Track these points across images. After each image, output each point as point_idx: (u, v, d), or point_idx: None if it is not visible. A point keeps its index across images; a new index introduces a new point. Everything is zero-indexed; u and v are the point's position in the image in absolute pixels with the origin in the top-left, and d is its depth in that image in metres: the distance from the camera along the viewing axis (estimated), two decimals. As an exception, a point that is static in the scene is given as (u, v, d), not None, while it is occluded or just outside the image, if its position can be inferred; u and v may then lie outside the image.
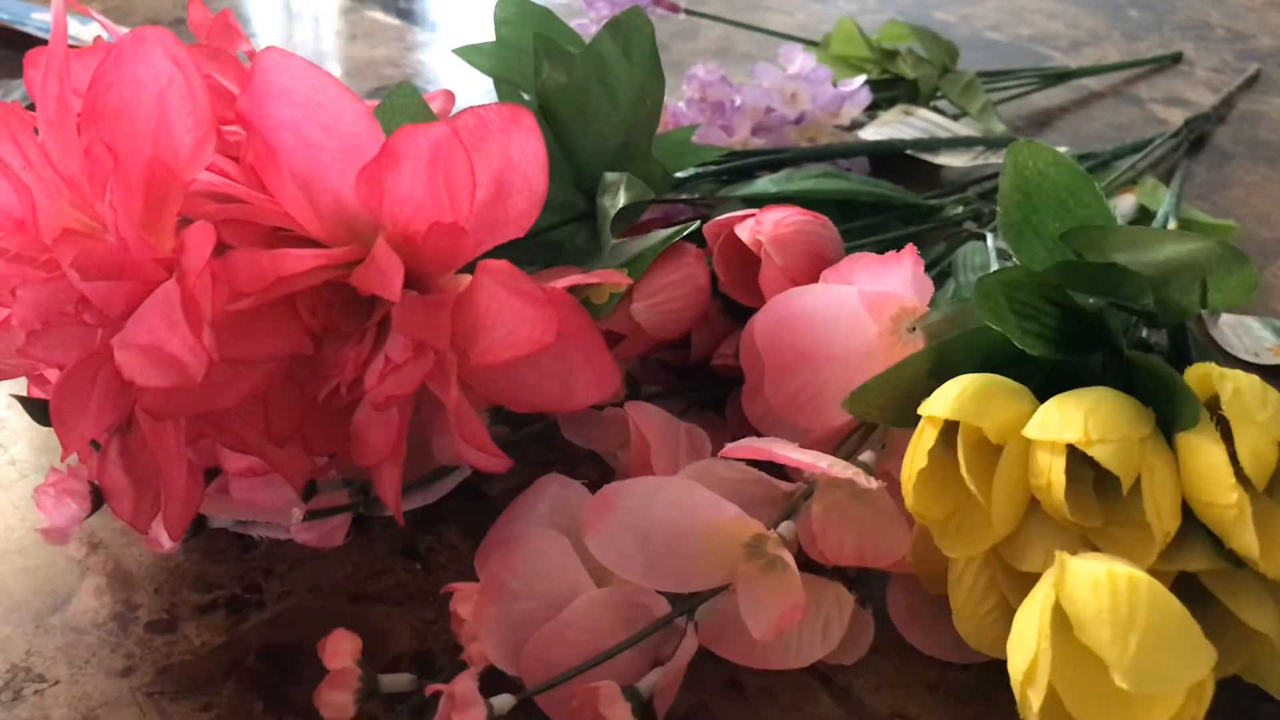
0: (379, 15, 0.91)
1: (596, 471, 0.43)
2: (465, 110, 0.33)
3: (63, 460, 0.38)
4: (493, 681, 0.33)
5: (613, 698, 0.31)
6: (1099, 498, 0.33)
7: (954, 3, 0.94)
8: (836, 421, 0.38)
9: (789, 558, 0.33)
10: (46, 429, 0.46)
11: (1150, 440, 0.32)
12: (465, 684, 0.31)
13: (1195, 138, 0.72)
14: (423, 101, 0.41)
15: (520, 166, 0.33)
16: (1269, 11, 0.94)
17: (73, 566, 0.40)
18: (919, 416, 0.33)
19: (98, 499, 0.38)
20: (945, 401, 0.32)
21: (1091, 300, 0.36)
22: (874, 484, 0.34)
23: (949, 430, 0.33)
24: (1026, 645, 0.30)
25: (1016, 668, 0.30)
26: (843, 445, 0.38)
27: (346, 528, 0.40)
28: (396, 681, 0.34)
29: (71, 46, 0.35)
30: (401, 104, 0.40)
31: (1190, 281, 0.36)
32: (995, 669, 0.36)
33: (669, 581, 0.34)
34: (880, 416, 0.36)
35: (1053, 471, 0.31)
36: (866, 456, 0.36)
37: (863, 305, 0.38)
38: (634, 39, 0.44)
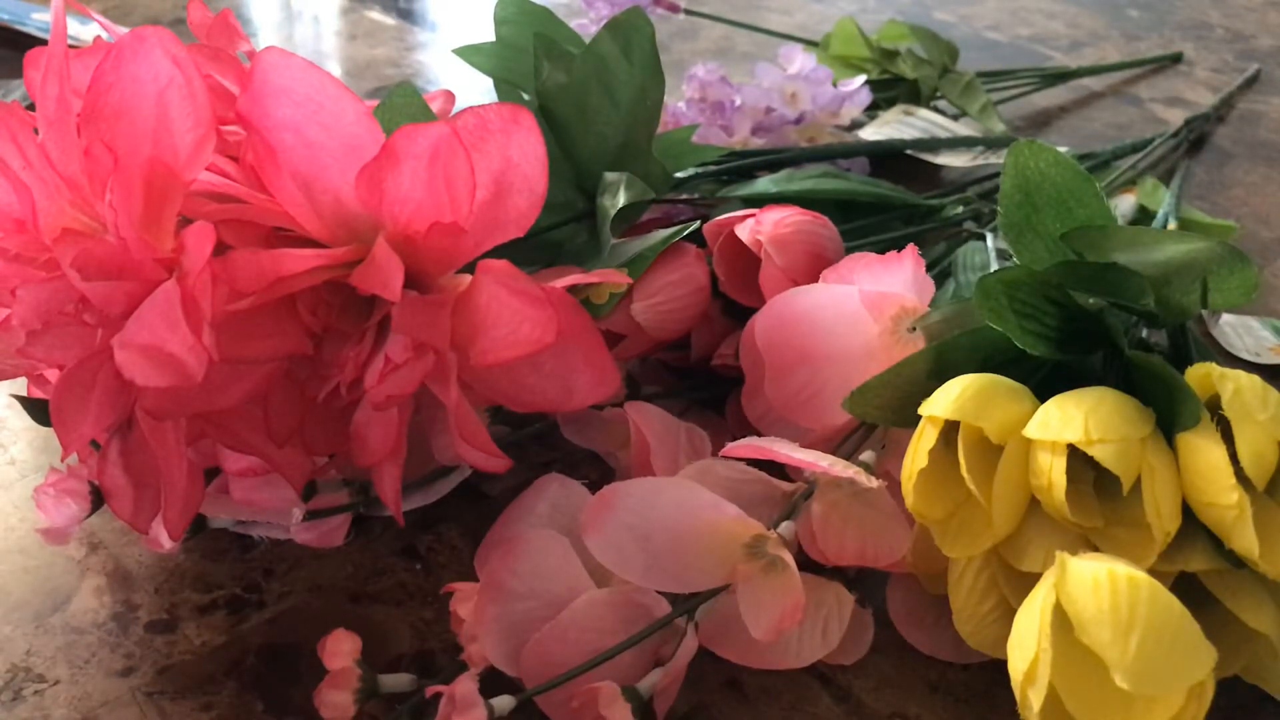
0: (379, 15, 0.91)
1: (596, 471, 0.43)
2: (465, 110, 0.33)
3: (63, 460, 0.38)
4: (493, 682, 0.33)
5: (613, 698, 0.31)
6: (1099, 498, 0.33)
7: (954, 3, 0.94)
8: (837, 421, 0.38)
9: (789, 558, 0.33)
10: (46, 429, 0.46)
11: (1150, 440, 0.32)
12: (465, 685, 0.31)
13: (1195, 138, 0.72)
14: (422, 101, 0.41)
15: (520, 166, 0.33)
16: (1269, 11, 0.94)
17: (73, 566, 0.40)
18: (919, 416, 0.33)
19: (98, 499, 0.38)
20: (946, 401, 0.32)
21: (1092, 300, 0.36)
22: (874, 483, 0.34)
23: (949, 430, 0.33)
24: (1027, 645, 0.30)
25: (1017, 668, 0.30)
26: (843, 445, 0.38)
27: (346, 528, 0.40)
28: (397, 681, 0.34)
29: (71, 46, 0.35)
30: (401, 104, 0.40)
31: (1191, 281, 0.36)
32: (995, 669, 0.36)
33: (669, 581, 0.34)
34: (880, 416, 0.36)
35: (1053, 471, 0.31)
36: (867, 456, 0.36)
37: (863, 305, 0.38)
38: (634, 39, 0.44)
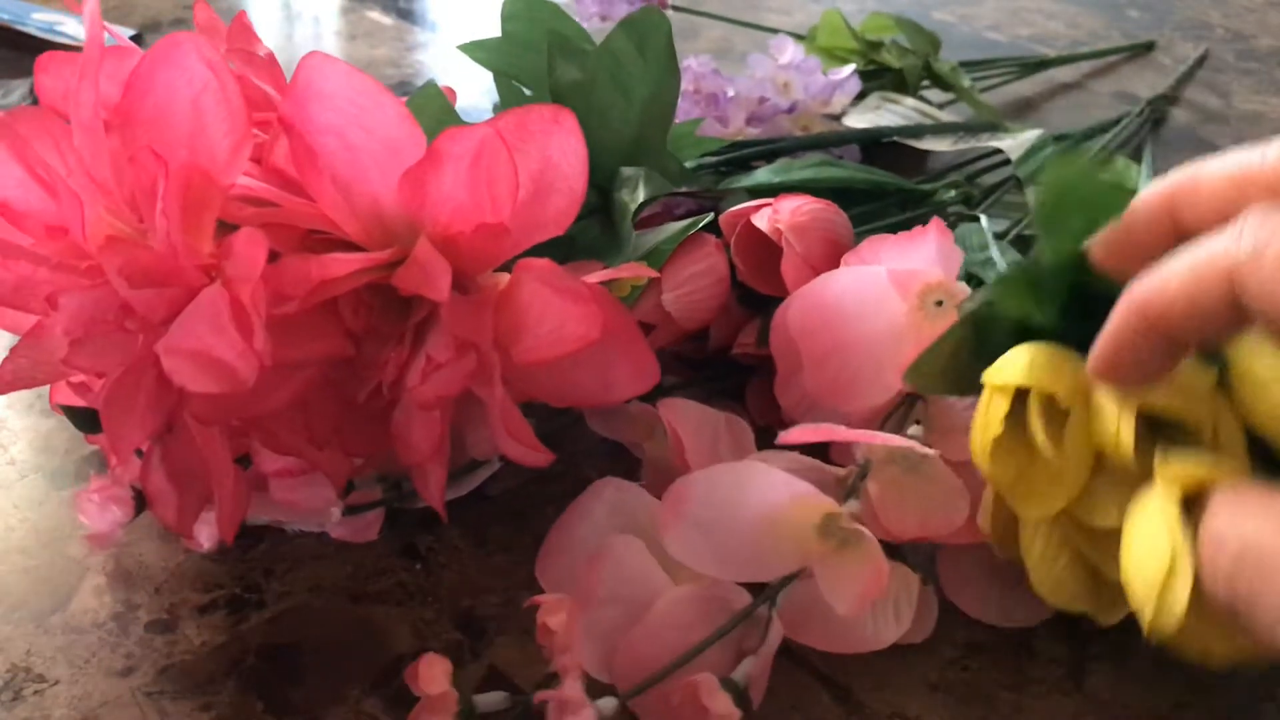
0: (379, 15, 0.90)
1: (600, 470, 0.43)
2: (506, 111, 0.33)
3: (111, 469, 0.38)
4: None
5: (713, 689, 0.32)
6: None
7: (954, 3, 0.94)
8: (877, 401, 0.39)
9: (864, 529, 0.33)
10: (46, 429, 0.46)
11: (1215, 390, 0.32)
12: (573, 688, 0.31)
13: (1157, 118, 0.74)
14: (446, 101, 0.41)
15: (560, 166, 0.34)
16: (1269, 11, 0.94)
17: (73, 566, 0.40)
18: (973, 384, 0.34)
19: (140, 504, 0.39)
20: (1017, 369, 0.33)
21: None
22: (930, 451, 0.34)
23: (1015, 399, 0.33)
24: (1157, 550, 0.29)
25: (1148, 582, 0.29)
26: (886, 423, 0.39)
27: (380, 522, 0.41)
28: (493, 700, 0.33)
29: (71, 47, 0.35)
30: (426, 104, 0.41)
31: None
32: (996, 669, 0.36)
33: (746, 571, 0.34)
34: (936, 386, 0.37)
35: (1122, 430, 0.32)
36: (914, 430, 0.37)
37: (891, 284, 0.39)
38: (650, 35, 0.44)
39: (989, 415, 0.34)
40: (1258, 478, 0.32)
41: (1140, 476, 0.32)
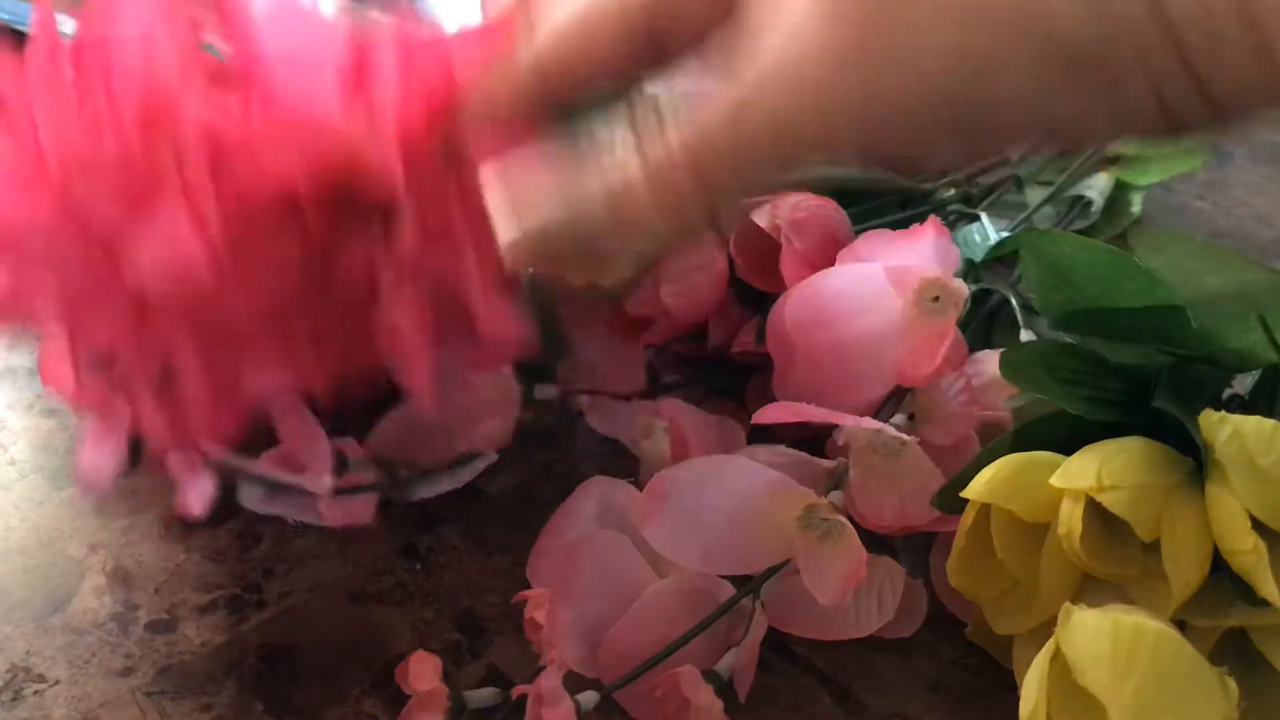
0: (379, 15, 0.90)
1: (599, 469, 0.43)
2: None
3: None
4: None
5: (695, 680, 0.32)
6: (1144, 551, 0.33)
7: (954, 3, 0.94)
8: (872, 396, 0.39)
9: (844, 520, 0.33)
10: (46, 429, 0.46)
11: (1178, 490, 0.32)
12: (550, 681, 0.31)
13: None
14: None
15: None
16: (1269, 11, 0.94)
17: (73, 566, 0.40)
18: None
19: (135, 454, 0.38)
20: (979, 485, 0.33)
21: (1121, 349, 0.35)
22: (904, 437, 0.34)
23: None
24: (1030, 694, 0.30)
25: (1023, 715, 0.30)
26: (877, 415, 0.38)
27: (375, 507, 0.40)
28: (482, 697, 0.33)
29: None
30: None
31: (1242, 315, 0.35)
32: (996, 669, 0.36)
33: (729, 564, 0.34)
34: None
35: (1072, 519, 0.31)
36: (898, 419, 0.37)
37: (888, 280, 0.39)
38: None
39: (959, 529, 0.34)
40: (1214, 585, 0.32)
41: (1093, 569, 0.32)
